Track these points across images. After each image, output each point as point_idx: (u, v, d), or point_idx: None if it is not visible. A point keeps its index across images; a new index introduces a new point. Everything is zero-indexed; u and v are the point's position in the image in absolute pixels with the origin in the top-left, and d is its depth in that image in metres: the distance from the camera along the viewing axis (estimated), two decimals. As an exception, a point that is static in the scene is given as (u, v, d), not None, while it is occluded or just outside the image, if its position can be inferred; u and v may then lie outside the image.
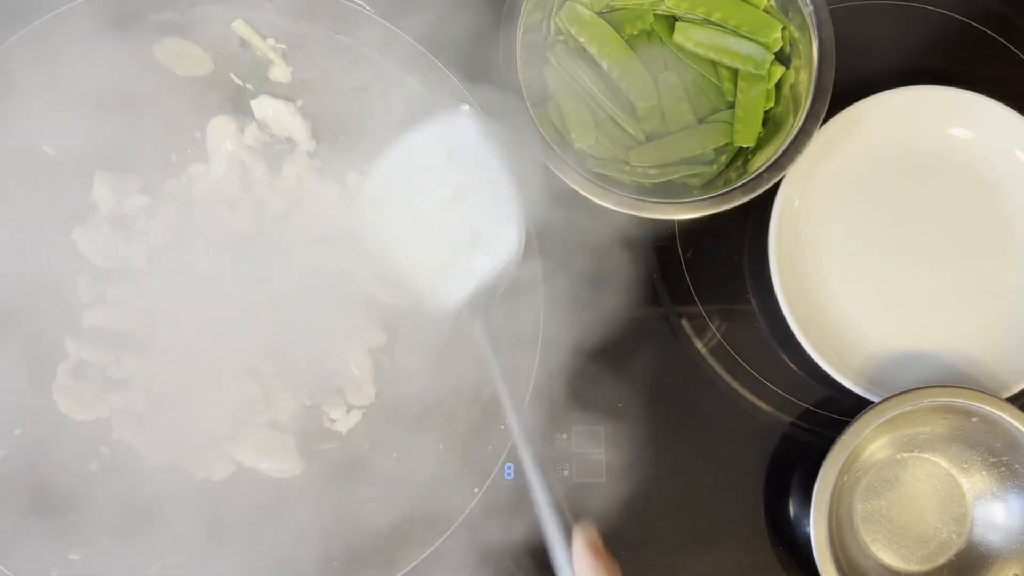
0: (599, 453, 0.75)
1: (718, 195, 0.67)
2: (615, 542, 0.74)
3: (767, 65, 0.71)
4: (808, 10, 0.69)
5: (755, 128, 0.71)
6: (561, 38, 0.73)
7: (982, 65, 0.80)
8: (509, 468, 0.75)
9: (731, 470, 0.76)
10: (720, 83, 0.72)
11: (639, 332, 0.78)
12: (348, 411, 0.73)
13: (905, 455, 0.74)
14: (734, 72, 0.72)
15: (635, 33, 0.73)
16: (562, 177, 0.67)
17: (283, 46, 0.70)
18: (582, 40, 0.71)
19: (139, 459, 0.69)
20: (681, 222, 0.77)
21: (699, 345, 0.78)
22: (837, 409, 0.76)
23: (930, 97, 0.75)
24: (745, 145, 0.71)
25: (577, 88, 0.72)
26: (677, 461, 0.76)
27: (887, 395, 0.69)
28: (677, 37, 0.72)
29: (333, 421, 0.72)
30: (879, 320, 0.75)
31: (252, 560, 0.67)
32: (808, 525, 0.67)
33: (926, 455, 0.74)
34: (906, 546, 0.73)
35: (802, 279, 0.74)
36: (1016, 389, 0.72)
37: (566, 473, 0.75)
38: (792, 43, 0.71)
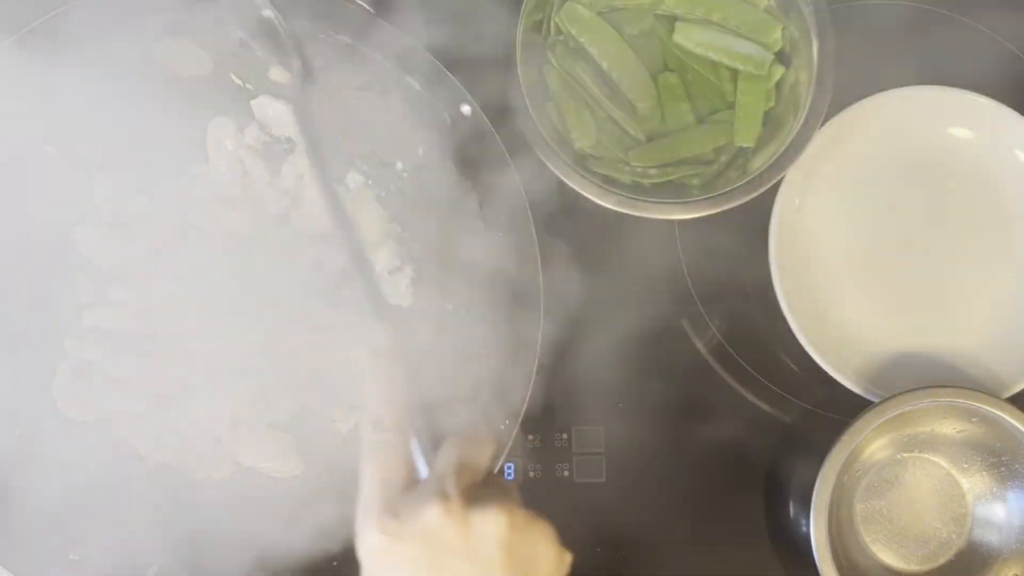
0: (599, 453, 0.75)
1: (718, 195, 0.67)
2: (615, 542, 0.75)
3: (767, 65, 0.71)
4: (808, 10, 0.69)
5: (755, 128, 0.71)
6: (561, 38, 0.73)
7: (982, 65, 0.80)
8: (509, 468, 0.75)
9: (731, 470, 0.76)
10: (720, 83, 0.72)
11: (639, 332, 0.78)
12: (348, 411, 0.73)
13: (905, 455, 0.74)
14: (734, 72, 0.72)
15: (635, 33, 0.73)
16: (562, 177, 0.67)
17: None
18: (582, 40, 0.71)
19: (139, 459, 0.69)
20: (681, 222, 0.77)
21: (699, 345, 0.78)
22: (837, 409, 0.76)
23: (930, 97, 0.75)
24: (745, 145, 0.71)
25: (577, 88, 0.72)
26: (677, 461, 0.76)
27: (887, 395, 0.69)
28: (677, 37, 0.72)
29: (333, 421, 0.72)
30: (879, 320, 0.75)
31: (252, 560, 0.67)
32: (808, 525, 0.67)
33: (926, 455, 0.74)
34: (906, 546, 0.73)
35: (802, 279, 0.74)
36: (1016, 389, 0.72)
37: (566, 473, 0.75)
38: (792, 43, 0.71)
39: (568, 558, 0.47)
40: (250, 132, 0.72)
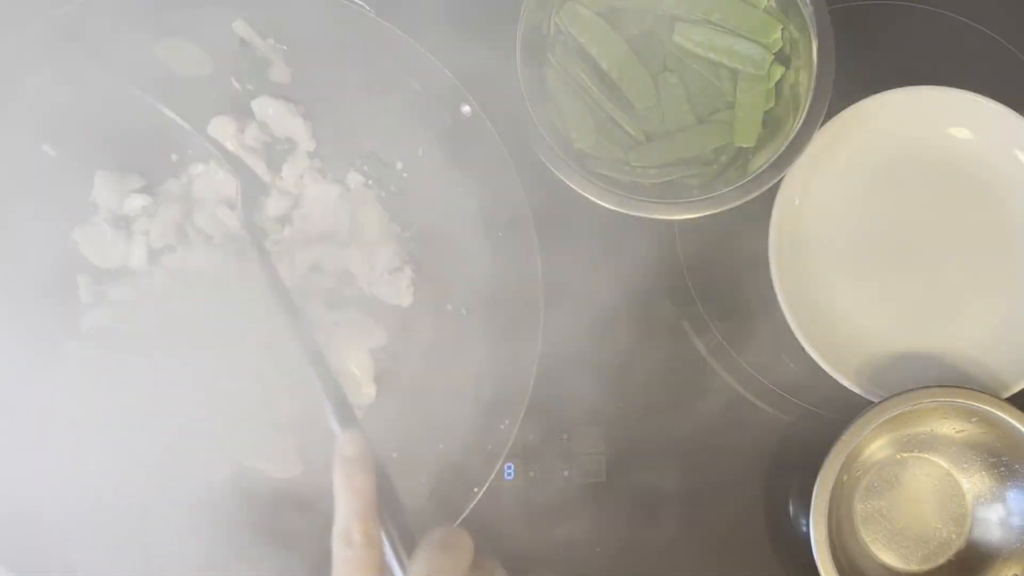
0: (599, 453, 0.75)
1: (718, 195, 0.67)
2: (615, 542, 0.75)
3: (767, 65, 0.71)
4: (808, 10, 0.69)
5: (755, 128, 0.71)
6: (561, 38, 0.73)
7: (982, 65, 0.80)
8: (509, 468, 0.75)
9: (731, 470, 0.76)
10: (720, 83, 0.72)
11: (639, 332, 0.78)
12: (348, 411, 0.72)
13: (905, 455, 0.74)
14: (734, 72, 0.72)
15: (635, 33, 0.73)
16: (562, 177, 0.67)
17: (283, 46, 0.70)
18: (582, 40, 0.71)
19: (140, 459, 0.69)
20: (681, 222, 0.77)
21: (699, 345, 0.78)
22: (837, 409, 0.76)
23: (930, 97, 0.75)
24: (745, 145, 0.71)
25: (577, 88, 0.72)
26: (677, 461, 0.76)
27: (887, 395, 0.69)
28: (677, 37, 0.72)
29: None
30: (879, 320, 0.75)
31: (252, 560, 0.67)
32: (808, 525, 0.67)
33: (926, 455, 0.74)
34: (906, 546, 0.73)
35: (802, 279, 0.74)
36: (1016, 389, 0.72)
37: (566, 473, 0.75)
38: (792, 43, 0.71)
39: None
40: (250, 132, 0.72)
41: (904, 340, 0.75)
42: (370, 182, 0.74)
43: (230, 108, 0.73)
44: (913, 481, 0.74)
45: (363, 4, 0.65)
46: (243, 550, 0.68)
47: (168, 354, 0.70)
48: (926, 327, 0.75)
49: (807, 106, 0.68)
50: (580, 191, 0.67)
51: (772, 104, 0.72)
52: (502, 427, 0.65)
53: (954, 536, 0.73)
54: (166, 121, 0.72)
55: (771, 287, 0.72)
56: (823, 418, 0.76)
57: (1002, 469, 0.72)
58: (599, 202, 0.67)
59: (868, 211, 0.76)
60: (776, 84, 0.72)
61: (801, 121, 0.68)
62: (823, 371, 0.71)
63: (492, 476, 0.65)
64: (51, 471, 0.66)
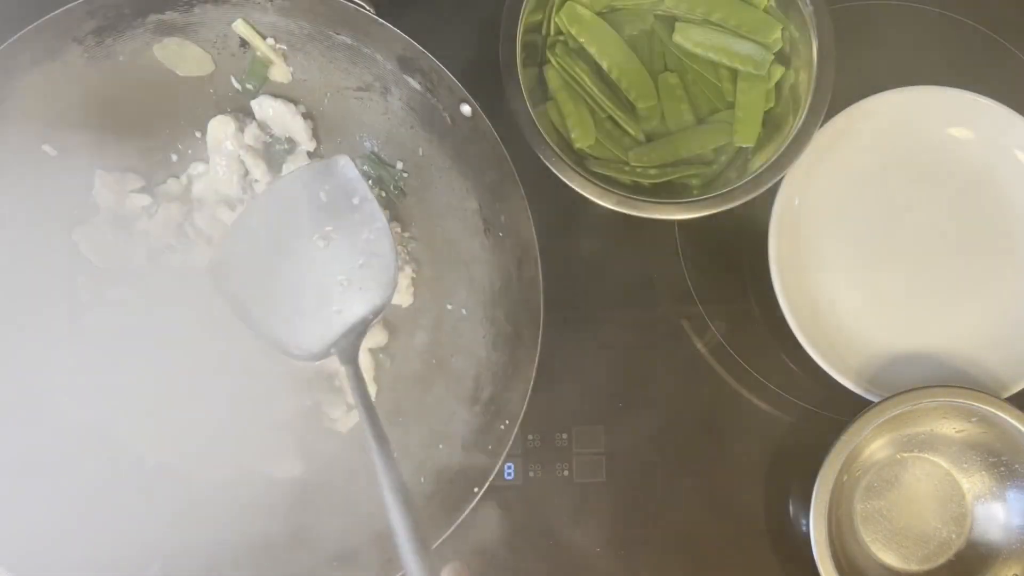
0: (599, 453, 0.75)
1: (718, 195, 0.67)
2: (615, 542, 0.75)
3: (767, 65, 0.71)
4: (808, 10, 0.69)
5: (755, 128, 0.71)
6: (561, 38, 0.73)
7: (982, 65, 0.80)
8: (509, 468, 0.75)
9: (731, 470, 0.76)
10: (720, 83, 0.72)
11: (639, 332, 0.78)
12: (348, 411, 0.73)
13: (905, 455, 0.74)
14: (734, 72, 0.72)
15: (635, 33, 0.73)
16: (562, 177, 0.67)
17: (283, 46, 0.70)
18: (582, 40, 0.71)
19: (139, 459, 0.69)
20: (681, 222, 0.77)
21: (699, 345, 0.78)
22: (837, 409, 0.76)
23: (930, 97, 0.75)
24: (745, 145, 0.71)
25: (577, 88, 0.72)
26: (677, 461, 0.76)
27: (887, 395, 0.69)
28: (677, 37, 0.72)
29: (333, 421, 0.72)
30: (879, 320, 0.75)
31: (252, 560, 0.67)
32: (808, 525, 0.67)
33: (926, 455, 0.74)
34: (906, 546, 0.73)
35: (802, 279, 0.74)
36: (1016, 389, 0.72)
37: (566, 473, 0.75)
38: (792, 43, 0.71)
39: None
40: (250, 132, 0.72)
41: (904, 340, 0.75)
42: (370, 182, 0.74)
43: (230, 108, 0.73)
44: (913, 481, 0.74)
45: (363, 4, 0.65)
46: (243, 550, 0.68)
47: (168, 354, 0.70)
48: (926, 327, 0.75)
49: (807, 106, 0.68)
50: (580, 191, 0.67)
51: (772, 104, 0.72)
52: (502, 427, 0.65)
53: (954, 536, 0.73)
54: (166, 121, 0.72)
55: (771, 287, 0.72)
56: (823, 418, 0.76)
57: (1002, 469, 0.72)
58: (599, 202, 0.67)
59: (868, 211, 0.76)
60: (776, 84, 0.72)
61: (801, 121, 0.68)
62: (823, 371, 0.71)
63: (492, 476, 0.65)
64: (51, 471, 0.66)
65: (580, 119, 0.71)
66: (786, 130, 0.69)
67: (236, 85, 0.72)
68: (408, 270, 0.73)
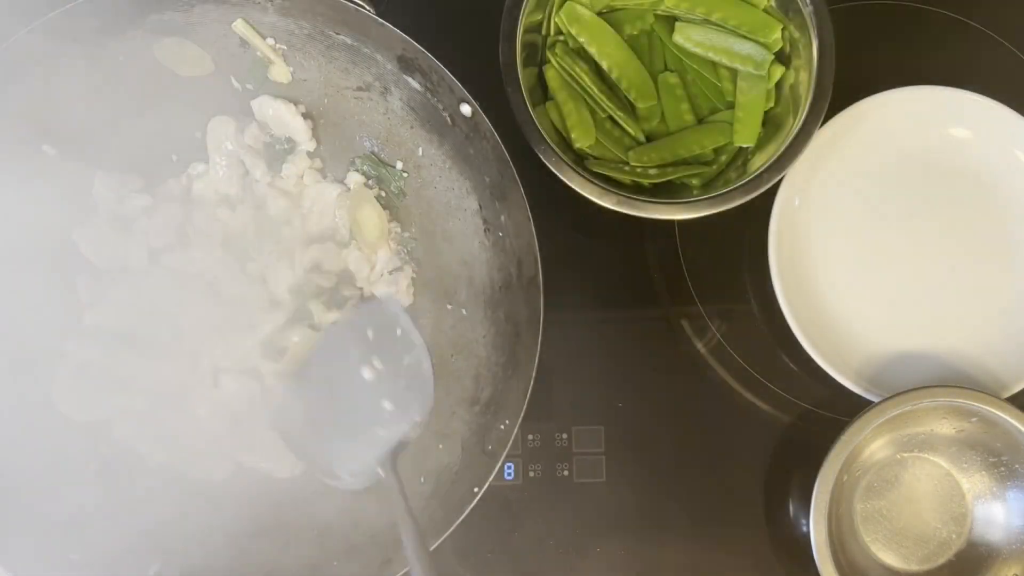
0: (599, 453, 0.75)
1: (718, 195, 0.67)
2: (615, 542, 0.75)
3: (767, 65, 0.71)
4: (808, 10, 0.69)
5: (755, 128, 0.71)
6: (561, 38, 0.73)
7: (982, 65, 0.80)
8: (509, 468, 0.75)
9: (731, 470, 0.76)
10: (720, 83, 0.72)
11: (639, 332, 0.78)
12: (348, 411, 0.73)
13: (905, 455, 0.74)
14: (734, 72, 0.72)
15: (635, 33, 0.73)
16: (562, 177, 0.67)
17: (283, 46, 0.70)
18: (582, 40, 0.71)
19: (139, 459, 0.69)
20: (681, 222, 0.77)
21: (699, 345, 0.78)
22: (837, 409, 0.76)
23: (930, 97, 0.75)
24: (745, 145, 0.71)
25: (577, 88, 0.72)
26: (677, 461, 0.76)
27: (887, 395, 0.69)
28: (677, 37, 0.72)
29: (333, 421, 0.72)
30: (879, 320, 0.75)
31: (252, 560, 0.67)
32: (808, 525, 0.67)
33: (926, 455, 0.74)
34: (906, 546, 0.73)
35: (802, 279, 0.74)
36: (1016, 389, 0.72)
37: (566, 473, 0.75)
38: (792, 43, 0.71)
39: None
40: (250, 132, 0.72)
41: (904, 340, 0.75)
42: (370, 182, 0.74)
43: (230, 108, 0.73)
44: (913, 481, 0.74)
45: (363, 4, 0.65)
46: (243, 550, 0.68)
47: (168, 354, 0.70)
48: (926, 327, 0.75)
49: (807, 106, 0.68)
50: (580, 191, 0.67)
51: (772, 104, 0.72)
52: (502, 427, 0.65)
53: (954, 536, 0.73)
54: (166, 121, 0.72)
55: (771, 287, 0.72)
56: (823, 418, 0.76)
57: (1002, 469, 0.72)
58: (599, 202, 0.67)
59: (868, 211, 0.76)
60: (776, 84, 0.72)
61: (801, 121, 0.68)
62: (823, 371, 0.71)
63: (492, 476, 0.65)
64: (51, 471, 0.66)
65: (580, 119, 0.71)
66: (786, 130, 0.69)
67: (236, 85, 0.72)
68: (408, 270, 0.73)
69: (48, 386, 0.68)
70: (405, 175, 0.73)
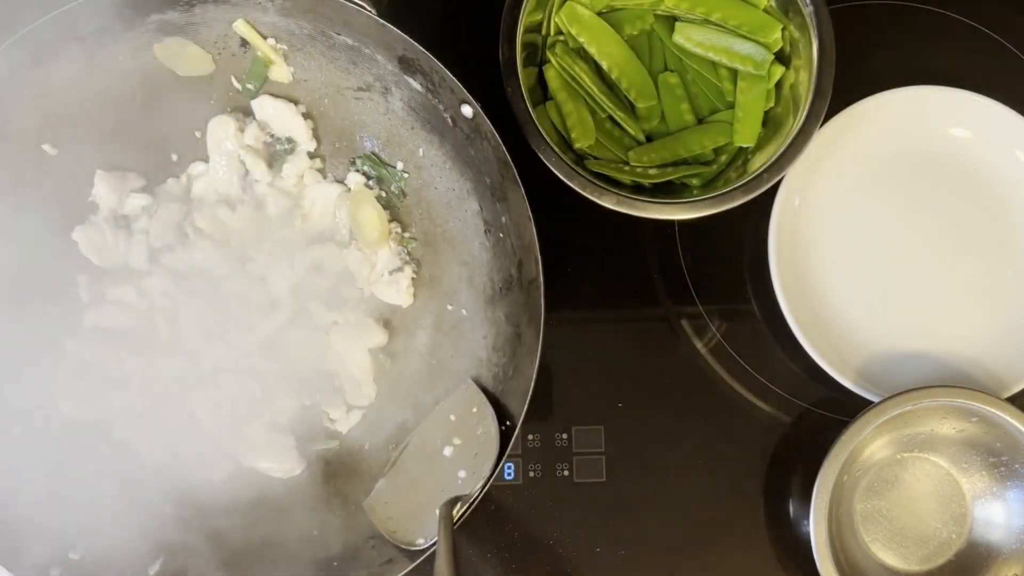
0: (599, 453, 0.75)
1: (718, 195, 0.67)
2: (615, 542, 0.75)
3: (767, 65, 0.71)
4: (808, 10, 0.69)
5: (755, 128, 0.71)
6: (561, 38, 0.73)
7: (982, 65, 0.80)
8: (509, 468, 0.75)
9: (731, 470, 0.76)
10: (720, 83, 0.72)
11: (639, 332, 0.78)
12: (348, 411, 0.73)
13: (905, 455, 0.74)
14: (734, 72, 0.72)
15: (635, 33, 0.73)
16: (562, 177, 0.67)
17: (283, 46, 0.70)
18: (582, 40, 0.71)
19: (139, 459, 0.69)
20: (681, 222, 0.77)
21: (699, 345, 0.78)
22: (837, 409, 0.76)
23: (930, 97, 0.75)
24: (745, 145, 0.71)
25: (577, 88, 0.72)
26: (677, 461, 0.76)
27: (887, 395, 0.69)
28: (677, 37, 0.72)
29: (333, 421, 0.72)
30: (879, 320, 0.75)
31: (252, 560, 0.67)
32: (808, 525, 0.67)
33: (926, 455, 0.74)
34: (906, 546, 0.73)
35: (802, 279, 0.74)
36: (1016, 389, 0.72)
37: (566, 473, 0.75)
38: (792, 43, 0.71)
39: None
40: (250, 132, 0.72)
41: (904, 340, 0.75)
42: (370, 182, 0.74)
43: (230, 108, 0.73)
44: (913, 481, 0.74)
45: (364, 4, 0.65)
46: (243, 549, 0.68)
47: (168, 354, 0.70)
48: (926, 327, 0.75)
49: (807, 106, 0.68)
50: (580, 191, 0.67)
51: (772, 104, 0.72)
52: (502, 427, 0.65)
53: (954, 536, 0.73)
54: (166, 121, 0.72)
55: (771, 287, 0.72)
56: (823, 418, 0.76)
57: (1002, 469, 0.72)
58: (599, 202, 0.67)
59: (868, 211, 0.76)
60: (776, 84, 0.72)
61: (801, 121, 0.68)
62: (823, 371, 0.71)
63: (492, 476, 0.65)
64: (51, 471, 0.66)
65: (580, 119, 0.71)
66: (786, 130, 0.69)
67: (236, 85, 0.72)
68: (408, 270, 0.73)
69: (48, 386, 0.68)
70: (406, 175, 0.73)
